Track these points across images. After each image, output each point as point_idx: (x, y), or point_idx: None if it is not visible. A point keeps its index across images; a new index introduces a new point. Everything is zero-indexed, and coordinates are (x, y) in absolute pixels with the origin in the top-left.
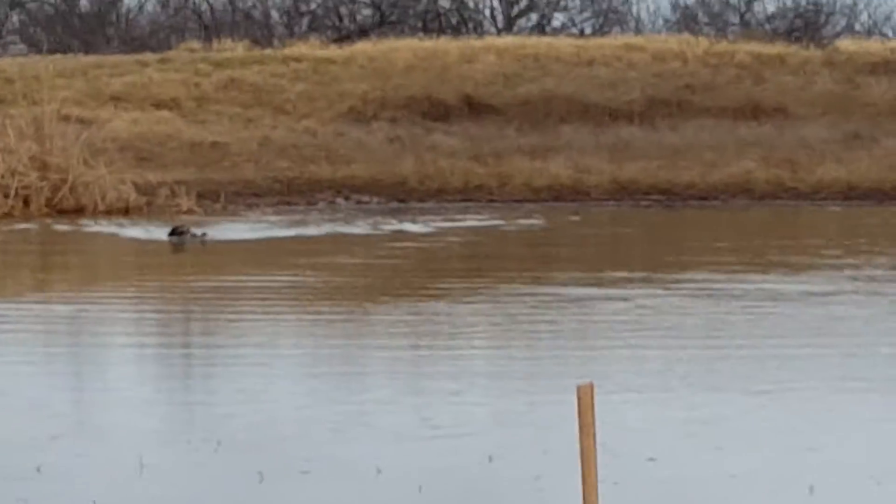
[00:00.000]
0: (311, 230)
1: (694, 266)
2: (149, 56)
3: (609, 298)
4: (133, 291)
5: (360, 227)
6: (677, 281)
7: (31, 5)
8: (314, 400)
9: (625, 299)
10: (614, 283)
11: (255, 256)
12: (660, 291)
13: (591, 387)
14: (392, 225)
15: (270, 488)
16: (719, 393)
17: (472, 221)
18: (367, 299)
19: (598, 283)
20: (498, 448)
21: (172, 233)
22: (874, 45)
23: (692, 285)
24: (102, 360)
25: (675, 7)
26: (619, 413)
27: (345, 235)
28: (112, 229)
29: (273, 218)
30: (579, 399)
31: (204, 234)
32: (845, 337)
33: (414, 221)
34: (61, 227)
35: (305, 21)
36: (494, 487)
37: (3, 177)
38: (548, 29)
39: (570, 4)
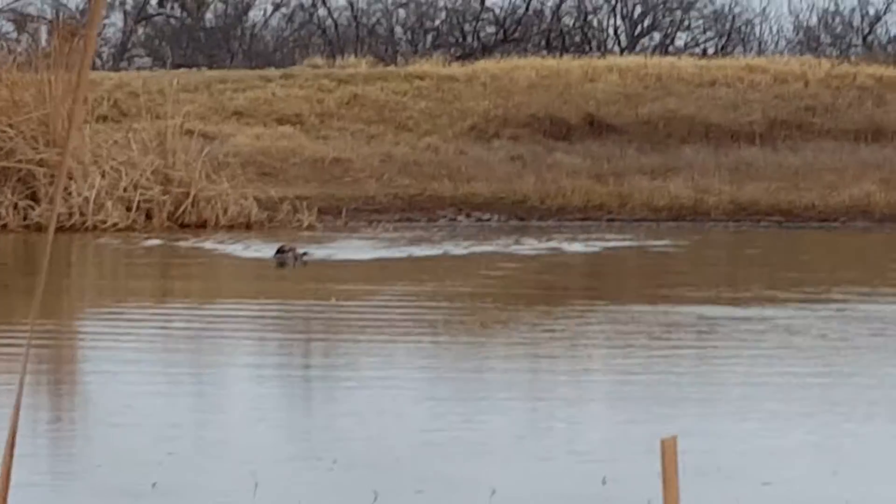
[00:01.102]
0: (426, 250)
1: (824, 287)
2: (272, 71)
3: (734, 319)
4: (244, 312)
5: (469, 248)
6: (807, 301)
7: (157, 19)
8: (432, 421)
9: (761, 319)
10: (743, 303)
11: (367, 277)
12: (791, 313)
13: (675, 441)
14: (511, 245)
15: None
16: (842, 417)
17: (595, 242)
18: (486, 320)
19: (727, 303)
20: (613, 471)
21: (278, 252)
22: None
23: (825, 306)
24: (219, 380)
25: (797, 28)
26: (736, 435)
27: (458, 257)
28: (218, 246)
29: (392, 235)
30: (663, 453)
31: (304, 254)
32: None
33: (540, 239)
34: (168, 243)
35: (429, 38)
36: None
37: (125, 190)
38: (671, 48)
39: (694, 24)
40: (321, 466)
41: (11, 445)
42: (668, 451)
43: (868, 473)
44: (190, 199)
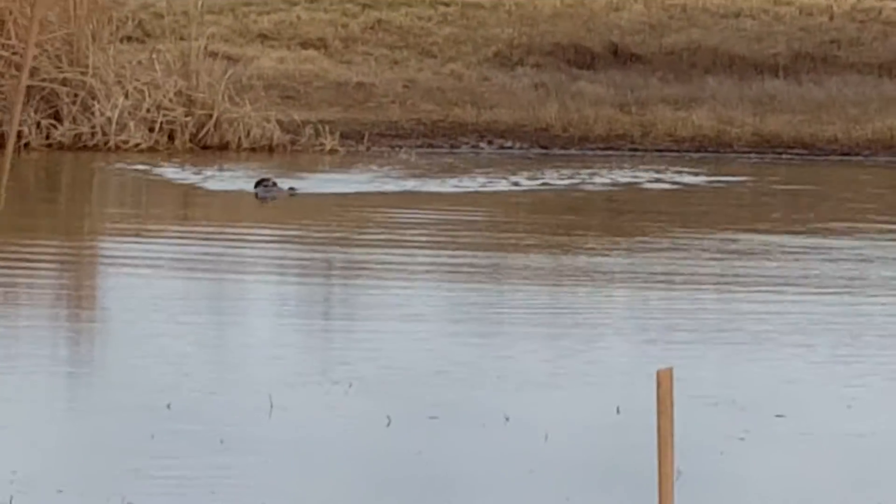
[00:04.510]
0: (435, 184)
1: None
2: None
3: (755, 251)
4: (264, 237)
5: (492, 178)
6: (832, 235)
7: None
8: (448, 348)
9: (783, 252)
10: (767, 234)
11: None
12: (816, 243)
13: (671, 372)
14: (534, 176)
15: (397, 432)
16: (859, 352)
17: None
18: (505, 251)
19: (749, 232)
20: (627, 400)
21: (258, 185)
22: None
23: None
24: (237, 304)
25: None
26: (752, 367)
27: (480, 188)
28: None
29: (395, 165)
30: (659, 384)
31: (292, 189)
32: None
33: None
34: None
35: None
36: (620, 438)
37: (148, 111)
38: None
39: None
40: (337, 391)
41: None
42: (664, 382)
43: (882, 408)
44: (213, 121)
